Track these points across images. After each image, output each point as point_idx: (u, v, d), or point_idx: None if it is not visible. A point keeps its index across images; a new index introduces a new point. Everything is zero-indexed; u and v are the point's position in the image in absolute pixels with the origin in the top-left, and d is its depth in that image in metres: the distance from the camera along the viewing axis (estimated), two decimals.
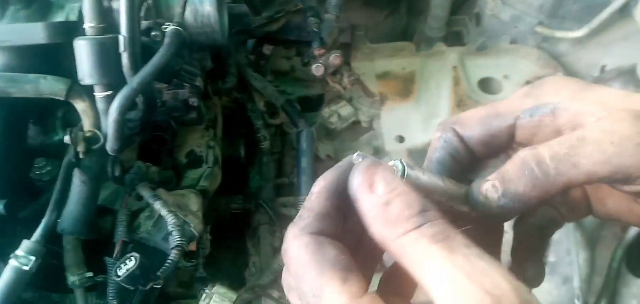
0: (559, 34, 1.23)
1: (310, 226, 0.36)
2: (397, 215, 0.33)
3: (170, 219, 0.84)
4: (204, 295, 0.91)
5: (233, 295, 0.92)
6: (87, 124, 0.80)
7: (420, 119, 1.14)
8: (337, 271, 0.34)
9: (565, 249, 0.91)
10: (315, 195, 0.37)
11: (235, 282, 1.03)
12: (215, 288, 0.92)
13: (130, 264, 0.77)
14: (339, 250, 0.35)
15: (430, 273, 0.31)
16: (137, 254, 0.78)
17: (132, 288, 0.80)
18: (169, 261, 0.82)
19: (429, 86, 1.21)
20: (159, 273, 0.80)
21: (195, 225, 0.89)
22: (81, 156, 0.77)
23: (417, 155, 1.07)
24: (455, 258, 0.31)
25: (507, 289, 0.30)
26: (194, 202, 0.94)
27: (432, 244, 0.32)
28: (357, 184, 0.35)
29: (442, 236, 0.32)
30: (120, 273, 0.77)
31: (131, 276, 0.77)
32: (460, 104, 1.14)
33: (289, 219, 1.15)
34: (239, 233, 1.22)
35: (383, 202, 0.34)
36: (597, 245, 0.94)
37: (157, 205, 0.85)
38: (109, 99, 0.78)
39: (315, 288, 0.34)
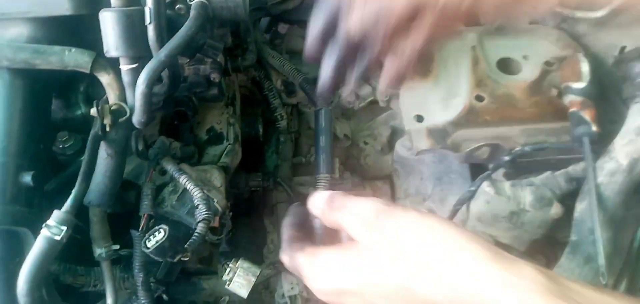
0: (579, 14, 1.22)
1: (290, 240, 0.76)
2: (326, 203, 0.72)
3: (196, 193, 0.84)
4: (228, 269, 0.92)
5: (257, 269, 0.92)
6: (112, 97, 0.79)
7: (439, 98, 1.13)
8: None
9: (588, 228, 0.91)
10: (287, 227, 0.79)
11: (253, 259, 1.03)
12: (239, 262, 0.92)
13: (159, 236, 0.78)
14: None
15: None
16: (166, 227, 0.78)
17: (160, 260, 0.80)
18: (196, 234, 0.82)
19: (448, 66, 1.19)
20: (186, 246, 0.80)
21: (218, 200, 0.89)
22: (107, 128, 0.77)
23: (437, 134, 1.06)
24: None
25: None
26: (217, 178, 0.94)
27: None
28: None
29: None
30: (149, 244, 0.77)
31: (160, 248, 0.78)
32: (480, 84, 1.13)
33: (306, 197, 1.16)
34: (256, 211, 1.22)
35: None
36: (619, 226, 0.94)
37: (183, 179, 0.85)
38: (135, 72, 0.78)
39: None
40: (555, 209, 0.99)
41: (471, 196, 1.00)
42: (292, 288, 1.06)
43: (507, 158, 1.01)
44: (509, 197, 0.99)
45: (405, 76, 0.83)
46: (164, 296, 0.92)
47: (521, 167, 1.03)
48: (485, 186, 0.99)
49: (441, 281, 0.56)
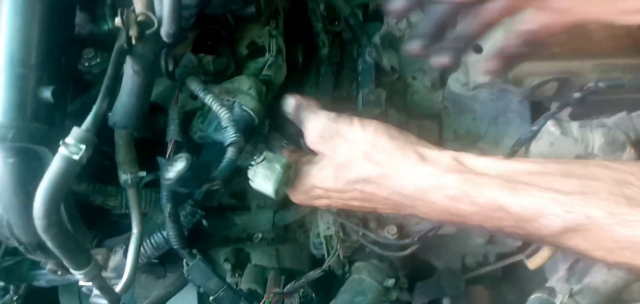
0: None
1: None
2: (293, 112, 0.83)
3: (223, 114, 0.76)
4: (252, 168, 0.79)
5: (283, 158, 0.80)
6: (139, 6, 0.71)
7: (502, 26, 1.01)
8: None
9: None
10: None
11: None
12: (264, 154, 0.79)
13: (180, 166, 0.69)
14: None
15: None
16: (188, 155, 0.69)
17: (186, 191, 0.73)
18: (225, 159, 0.74)
19: None
20: (215, 173, 0.73)
21: (248, 103, 0.81)
22: (133, 41, 0.69)
23: None
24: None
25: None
26: (245, 82, 0.86)
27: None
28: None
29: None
30: (168, 175, 0.69)
31: (183, 179, 0.69)
32: None
33: None
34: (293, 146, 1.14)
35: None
36: None
37: (209, 98, 0.77)
38: None
39: None
40: (629, 154, 0.88)
41: (533, 136, 0.90)
42: (328, 228, 1.00)
43: (577, 95, 0.89)
44: (576, 139, 0.89)
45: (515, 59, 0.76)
46: (204, 222, 0.86)
47: (592, 106, 0.92)
48: (550, 125, 0.89)
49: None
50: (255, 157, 0.79)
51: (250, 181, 0.80)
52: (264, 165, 0.78)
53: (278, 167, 0.78)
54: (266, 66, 0.93)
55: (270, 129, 0.92)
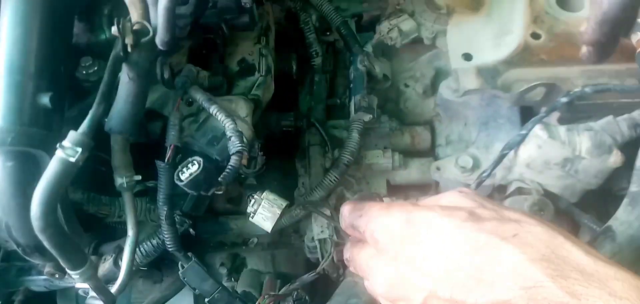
0: None
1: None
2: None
3: (228, 125, 0.79)
4: (252, 201, 0.87)
5: (283, 202, 0.87)
6: (135, 15, 0.73)
7: (491, 35, 1.03)
8: None
9: None
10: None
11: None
12: (264, 194, 0.87)
13: (193, 168, 0.73)
14: None
15: None
16: (200, 159, 0.73)
17: (194, 193, 0.77)
18: (229, 167, 0.77)
19: None
20: (220, 179, 0.76)
21: (244, 131, 0.84)
22: (129, 49, 0.71)
23: (487, 73, 0.97)
24: None
25: None
26: (243, 108, 0.88)
27: None
28: None
29: None
30: (182, 177, 0.73)
31: (194, 181, 0.73)
32: (537, 20, 1.02)
33: (340, 140, 1.08)
34: (287, 153, 1.16)
35: None
36: None
37: (213, 109, 0.80)
38: None
39: None
40: (615, 158, 0.90)
41: (521, 139, 0.92)
42: (322, 231, 1.01)
43: (564, 99, 0.91)
44: (563, 143, 0.91)
45: None
46: (191, 231, 0.88)
47: (579, 110, 0.93)
48: (538, 129, 0.91)
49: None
50: (255, 194, 0.87)
51: (249, 216, 0.88)
52: (265, 206, 0.87)
53: (277, 210, 0.87)
54: (255, 85, 0.95)
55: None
